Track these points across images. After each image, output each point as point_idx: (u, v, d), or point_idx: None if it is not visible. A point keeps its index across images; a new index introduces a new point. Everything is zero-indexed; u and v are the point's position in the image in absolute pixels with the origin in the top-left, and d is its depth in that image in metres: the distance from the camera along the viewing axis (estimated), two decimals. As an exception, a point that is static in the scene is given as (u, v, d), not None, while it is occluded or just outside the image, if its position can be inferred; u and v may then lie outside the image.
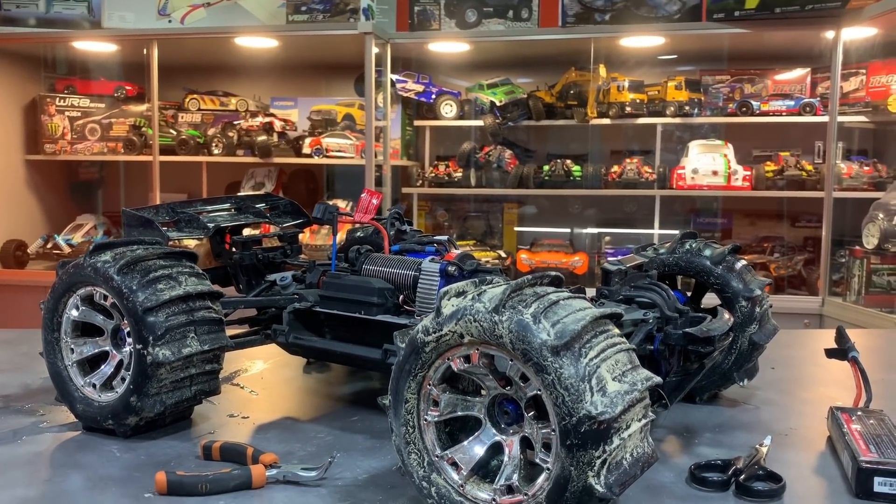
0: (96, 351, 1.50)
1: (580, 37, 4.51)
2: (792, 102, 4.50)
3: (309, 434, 1.49)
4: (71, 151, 5.20)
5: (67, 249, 4.97)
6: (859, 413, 1.44)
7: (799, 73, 4.69)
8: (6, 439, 1.45)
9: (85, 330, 1.52)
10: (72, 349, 1.51)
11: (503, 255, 4.88)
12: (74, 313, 1.50)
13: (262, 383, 1.85)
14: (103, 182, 5.69)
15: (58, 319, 1.51)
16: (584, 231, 5.12)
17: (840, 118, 4.34)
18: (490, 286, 1.09)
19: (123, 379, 1.43)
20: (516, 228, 5.22)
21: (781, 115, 4.51)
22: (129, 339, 1.41)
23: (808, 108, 4.46)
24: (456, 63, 5.11)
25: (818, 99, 4.50)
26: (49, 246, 5.05)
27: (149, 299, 1.38)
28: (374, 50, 4.36)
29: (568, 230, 5.12)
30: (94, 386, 1.48)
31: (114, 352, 1.49)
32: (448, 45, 4.78)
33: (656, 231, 4.73)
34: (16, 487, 1.24)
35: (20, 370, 1.89)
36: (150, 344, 1.37)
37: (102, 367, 1.49)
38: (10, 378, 1.82)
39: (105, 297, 1.44)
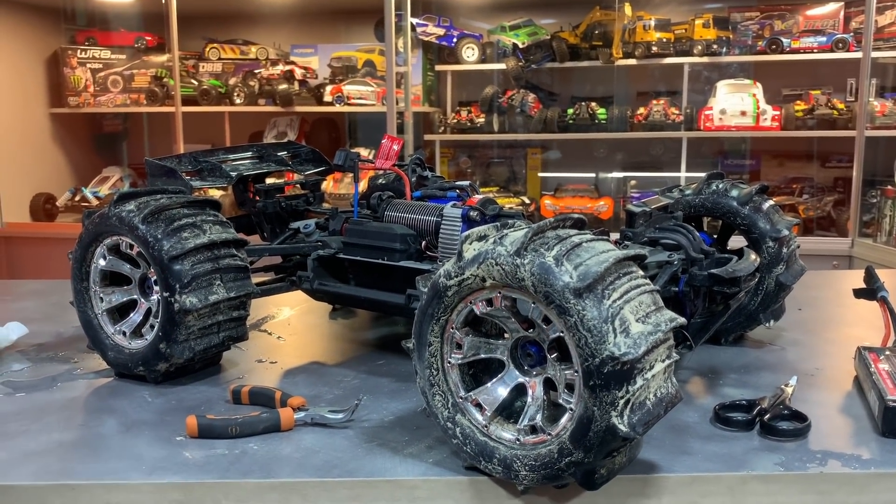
0: (125, 299, 1.53)
1: (604, -26, 4.40)
2: (824, 39, 4.36)
3: (336, 378, 1.51)
4: (94, 104, 5.21)
5: (95, 202, 5.02)
6: (887, 353, 1.43)
7: (832, 7, 4.54)
8: (43, 386, 1.49)
9: (113, 279, 1.55)
10: (101, 298, 1.54)
11: (527, 201, 4.85)
12: (102, 263, 1.52)
13: (289, 329, 1.87)
14: (127, 134, 5.72)
15: (86, 269, 1.53)
16: (610, 175, 5.06)
17: (874, 54, 4.20)
18: (511, 229, 1.08)
19: (152, 326, 1.46)
20: (540, 174, 5.17)
21: (813, 52, 4.38)
22: (157, 288, 1.43)
23: (840, 45, 4.32)
24: (477, 4, 5.01)
25: (851, 34, 4.35)
26: (77, 199, 5.11)
27: (174, 247, 1.39)
28: (394, -7, 4.28)
29: (593, 175, 5.06)
30: (124, 333, 1.51)
31: (142, 300, 1.51)
32: (469, -13, 4.69)
33: (683, 174, 4.66)
34: (52, 432, 1.28)
35: (52, 320, 1.93)
36: (176, 291, 1.38)
37: (131, 315, 1.52)
38: (43, 327, 1.86)
39: (131, 247, 1.46)
